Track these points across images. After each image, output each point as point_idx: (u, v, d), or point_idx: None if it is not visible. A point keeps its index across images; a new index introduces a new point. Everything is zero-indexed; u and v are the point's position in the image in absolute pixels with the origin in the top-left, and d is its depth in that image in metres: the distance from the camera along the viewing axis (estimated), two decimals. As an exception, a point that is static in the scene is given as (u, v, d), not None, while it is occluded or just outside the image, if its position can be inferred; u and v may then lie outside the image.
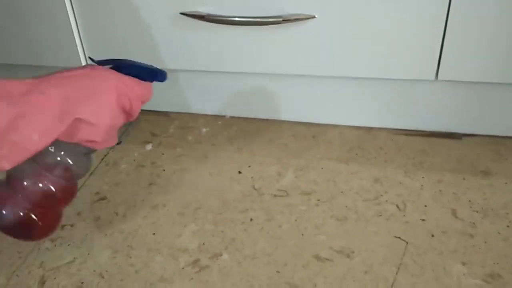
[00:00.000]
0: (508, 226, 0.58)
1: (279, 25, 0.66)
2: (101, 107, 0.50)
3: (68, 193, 0.56)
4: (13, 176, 0.53)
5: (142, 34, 0.72)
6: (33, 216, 0.52)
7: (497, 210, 0.60)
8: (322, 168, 0.69)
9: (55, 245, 0.59)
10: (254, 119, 0.80)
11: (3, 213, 0.52)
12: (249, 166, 0.70)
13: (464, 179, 0.65)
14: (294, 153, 0.72)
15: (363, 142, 0.73)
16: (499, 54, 0.63)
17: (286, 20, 0.65)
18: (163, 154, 0.74)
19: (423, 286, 0.51)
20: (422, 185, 0.64)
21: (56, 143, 0.49)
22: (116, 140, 0.55)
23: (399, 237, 0.57)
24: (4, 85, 0.45)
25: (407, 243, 0.56)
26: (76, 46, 0.75)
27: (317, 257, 0.55)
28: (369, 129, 0.76)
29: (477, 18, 0.61)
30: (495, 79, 0.65)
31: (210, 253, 0.57)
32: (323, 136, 0.75)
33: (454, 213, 0.60)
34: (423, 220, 0.59)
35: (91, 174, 0.71)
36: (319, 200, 0.63)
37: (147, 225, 0.61)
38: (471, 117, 0.71)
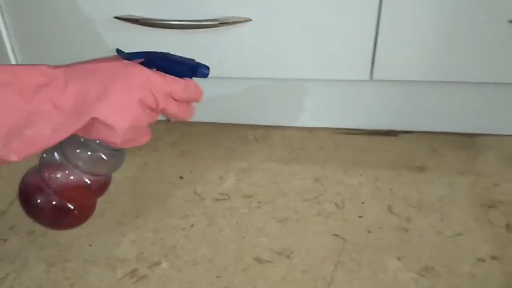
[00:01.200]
0: (441, 220, 0.60)
1: (216, 28, 0.65)
2: (120, 109, 0.46)
3: (101, 184, 0.55)
4: (46, 166, 0.51)
5: (76, 38, 0.70)
6: (67, 205, 0.52)
7: (431, 204, 0.62)
8: (264, 170, 0.69)
9: (-14, 262, 0.57)
10: (197, 123, 0.79)
11: (37, 201, 0.52)
12: (191, 171, 0.69)
13: (400, 175, 0.67)
14: (236, 156, 0.72)
15: (305, 142, 0.74)
16: (431, 53, 0.65)
17: (222, 23, 0.65)
18: (102, 162, 0.72)
19: (360, 283, 0.52)
20: (360, 183, 0.66)
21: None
22: (147, 138, 0.51)
23: (337, 235, 0.58)
24: (21, 75, 0.42)
25: (344, 240, 0.57)
26: (7, 53, 0.72)
27: (258, 260, 0.55)
28: (311, 129, 0.77)
29: (408, 20, 0.62)
30: (428, 77, 0.67)
31: (149, 262, 0.56)
32: (265, 138, 0.76)
33: (390, 209, 0.61)
34: (361, 217, 0.60)
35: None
36: (260, 202, 0.63)
37: (84, 236, 0.59)
38: (407, 115, 0.73)
